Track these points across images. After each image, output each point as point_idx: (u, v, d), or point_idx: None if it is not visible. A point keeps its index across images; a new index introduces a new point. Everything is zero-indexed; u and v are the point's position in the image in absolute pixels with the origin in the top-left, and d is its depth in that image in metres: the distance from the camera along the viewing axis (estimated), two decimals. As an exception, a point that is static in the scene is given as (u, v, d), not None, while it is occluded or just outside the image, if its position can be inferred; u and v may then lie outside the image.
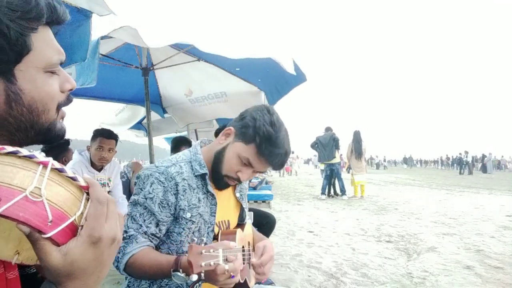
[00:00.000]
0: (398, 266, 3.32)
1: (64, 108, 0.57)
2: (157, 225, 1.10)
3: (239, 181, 1.17)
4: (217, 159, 1.17)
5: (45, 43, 0.52)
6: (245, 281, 1.16)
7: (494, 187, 12.61)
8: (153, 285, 1.13)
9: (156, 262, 1.01)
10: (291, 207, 7.37)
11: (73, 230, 0.42)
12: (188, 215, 1.12)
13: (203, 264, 0.85)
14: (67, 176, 0.42)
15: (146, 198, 1.10)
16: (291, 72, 2.36)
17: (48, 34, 0.53)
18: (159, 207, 1.09)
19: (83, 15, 1.58)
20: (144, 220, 1.09)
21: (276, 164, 1.14)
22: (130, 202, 1.13)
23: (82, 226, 0.43)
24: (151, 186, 1.10)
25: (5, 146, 0.39)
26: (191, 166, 1.18)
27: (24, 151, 0.40)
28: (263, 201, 6.12)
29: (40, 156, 0.40)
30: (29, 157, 0.40)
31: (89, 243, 0.42)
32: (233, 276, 0.91)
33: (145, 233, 1.08)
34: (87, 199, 0.44)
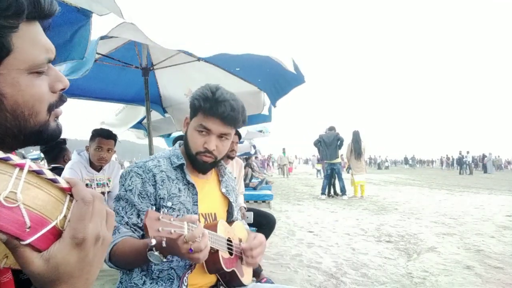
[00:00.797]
0: (398, 266, 3.32)
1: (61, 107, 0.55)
2: (138, 215, 1.14)
3: (210, 153, 1.20)
4: (186, 145, 1.26)
5: (28, 42, 0.47)
6: (234, 273, 1.17)
7: (494, 187, 12.61)
8: (145, 278, 1.14)
9: (135, 246, 1.04)
10: (291, 207, 7.37)
11: (55, 235, 0.40)
12: (169, 203, 1.16)
13: (160, 229, 0.86)
14: (46, 178, 0.40)
15: (126, 191, 1.16)
16: (291, 70, 2.35)
17: (32, 31, 0.48)
18: (139, 198, 1.15)
19: (83, 15, 1.58)
20: (126, 212, 1.14)
21: (224, 115, 1.16)
22: (114, 199, 1.19)
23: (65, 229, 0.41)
24: (130, 179, 1.17)
25: None
26: (170, 160, 1.25)
27: None
28: (263, 201, 6.13)
29: (16, 158, 0.38)
30: (4, 160, 0.37)
31: (72, 246, 0.40)
32: (191, 250, 0.91)
33: (127, 223, 1.13)
34: (71, 201, 0.42)
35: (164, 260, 0.94)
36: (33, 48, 0.48)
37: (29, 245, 0.38)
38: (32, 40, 0.48)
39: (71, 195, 0.42)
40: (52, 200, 0.40)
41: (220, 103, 1.16)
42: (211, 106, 1.17)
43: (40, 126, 0.50)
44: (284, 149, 21.36)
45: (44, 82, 0.50)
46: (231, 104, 1.18)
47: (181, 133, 5.06)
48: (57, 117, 0.54)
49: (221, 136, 1.21)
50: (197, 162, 1.22)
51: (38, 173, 0.39)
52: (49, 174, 0.40)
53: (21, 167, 0.38)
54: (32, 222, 0.37)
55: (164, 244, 0.87)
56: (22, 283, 0.52)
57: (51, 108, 0.52)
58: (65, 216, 0.41)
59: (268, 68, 2.75)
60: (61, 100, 0.53)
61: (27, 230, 0.37)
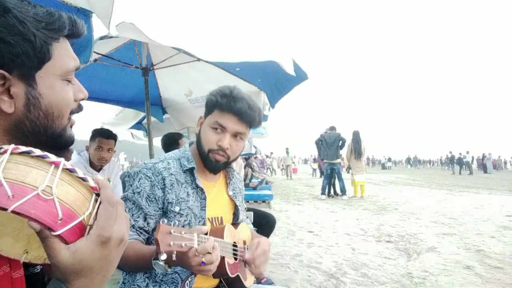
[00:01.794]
0: (398, 266, 3.32)
1: (74, 117, 0.60)
2: (145, 219, 1.13)
3: (223, 151, 1.18)
4: (198, 142, 1.23)
5: (64, 52, 0.55)
6: (238, 277, 1.16)
7: (494, 187, 12.61)
8: (149, 280, 1.14)
9: (140, 252, 1.02)
10: (291, 207, 7.37)
11: (81, 229, 0.43)
12: (177, 208, 1.14)
13: (172, 243, 0.84)
14: (77, 177, 0.43)
15: (134, 193, 1.13)
16: (291, 73, 2.35)
17: (67, 45, 0.57)
18: (146, 201, 1.13)
19: (84, 15, 1.57)
20: (133, 215, 1.12)
21: (241, 111, 1.16)
22: (121, 199, 1.15)
23: (90, 225, 0.44)
24: (139, 181, 1.14)
25: (20, 146, 0.41)
26: (180, 162, 1.22)
27: (37, 151, 0.41)
28: (263, 201, 6.13)
29: (52, 156, 0.42)
30: (41, 157, 0.41)
31: (98, 243, 0.43)
32: (203, 263, 0.90)
33: (133, 226, 1.11)
34: (96, 200, 0.45)
35: (169, 270, 0.92)
36: (67, 57, 0.56)
37: (58, 236, 0.40)
38: (66, 51, 0.56)
39: (97, 194, 0.46)
40: (81, 197, 0.44)
41: (238, 99, 1.16)
42: (228, 101, 1.15)
43: (61, 130, 0.57)
44: (287, 148, 19.87)
45: (71, 90, 0.58)
46: (248, 102, 1.17)
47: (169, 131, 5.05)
48: (71, 125, 0.60)
49: (235, 135, 1.20)
50: (209, 161, 1.20)
51: (70, 171, 0.43)
52: (80, 173, 0.44)
53: (57, 165, 0.42)
54: (63, 215, 0.40)
55: (174, 258, 0.85)
56: (29, 278, 0.53)
57: (71, 114, 0.58)
58: (90, 213, 0.44)
59: (268, 68, 2.75)
60: (79, 108, 0.60)
61: (59, 221, 0.40)
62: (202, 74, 3.40)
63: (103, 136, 2.60)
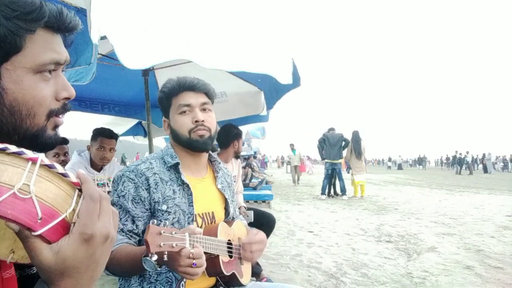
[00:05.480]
0: (398, 266, 3.33)
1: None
2: (133, 221, 1.13)
3: (202, 125, 1.22)
4: (176, 136, 1.25)
5: (41, 46, 0.49)
6: (234, 274, 1.16)
7: (494, 187, 12.60)
8: (143, 283, 1.14)
9: (132, 253, 1.02)
10: (291, 207, 7.38)
11: (64, 228, 0.41)
12: (164, 207, 1.14)
13: (162, 244, 0.84)
14: (57, 173, 0.41)
15: (119, 197, 1.13)
16: (287, 82, 2.31)
17: (49, 38, 0.51)
18: (132, 203, 1.13)
19: (83, 15, 1.57)
20: (120, 219, 1.12)
21: (193, 84, 1.23)
22: None
23: (74, 223, 0.42)
24: (122, 184, 1.14)
25: None
26: (163, 161, 1.23)
27: (12, 147, 0.39)
28: (263, 201, 6.12)
29: (29, 152, 0.40)
30: (17, 154, 0.39)
31: (81, 241, 0.41)
32: (194, 264, 0.89)
33: (122, 230, 1.11)
34: (79, 196, 0.43)
35: (159, 268, 0.92)
36: (43, 49, 0.50)
37: (39, 236, 0.39)
38: (45, 45, 0.50)
39: (80, 190, 0.43)
40: (62, 193, 0.41)
41: (183, 79, 1.24)
42: (177, 83, 1.23)
43: (36, 130, 0.51)
44: (292, 145, 14.77)
45: (49, 87, 0.51)
46: (192, 77, 1.25)
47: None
48: (57, 126, 0.54)
49: (203, 108, 1.24)
50: (195, 141, 1.21)
51: (49, 167, 0.41)
52: (60, 169, 0.41)
53: (34, 161, 0.39)
54: (43, 214, 0.38)
55: (165, 258, 0.85)
56: (25, 279, 0.52)
57: (51, 114, 0.52)
58: (73, 210, 0.42)
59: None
60: (63, 109, 0.54)
61: (39, 221, 0.38)
62: (202, 74, 3.39)
63: (105, 136, 2.61)
